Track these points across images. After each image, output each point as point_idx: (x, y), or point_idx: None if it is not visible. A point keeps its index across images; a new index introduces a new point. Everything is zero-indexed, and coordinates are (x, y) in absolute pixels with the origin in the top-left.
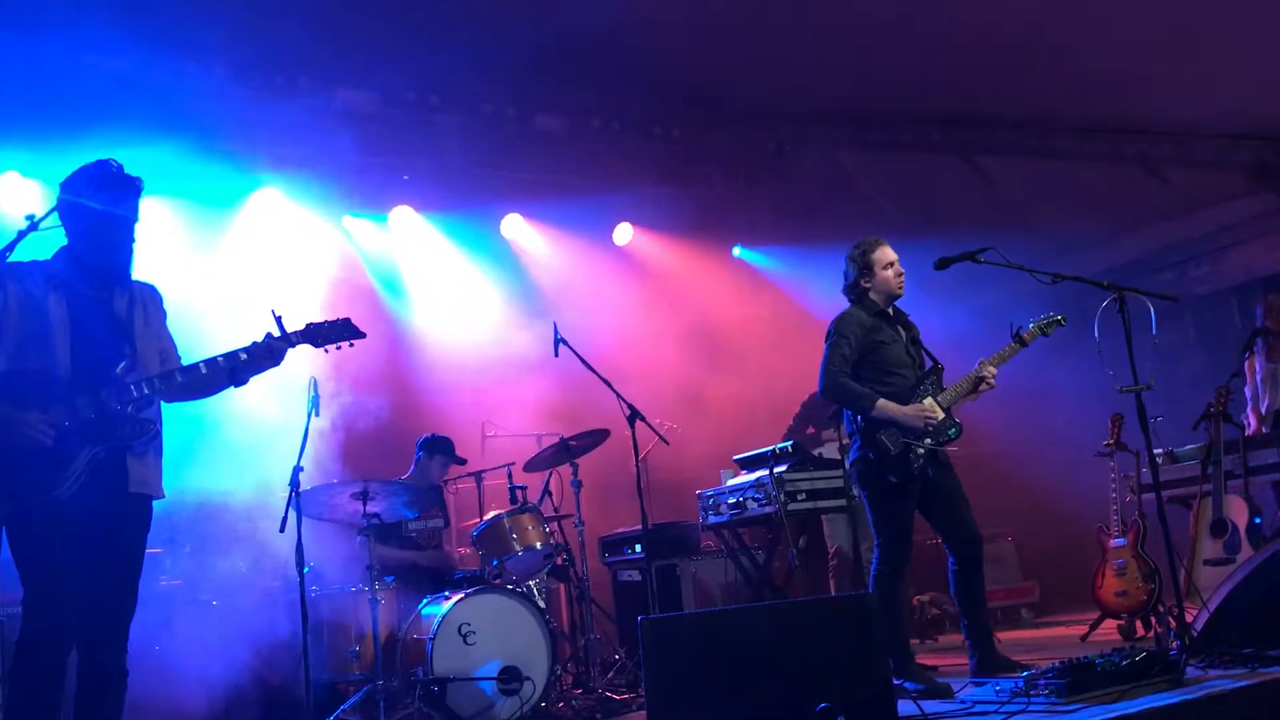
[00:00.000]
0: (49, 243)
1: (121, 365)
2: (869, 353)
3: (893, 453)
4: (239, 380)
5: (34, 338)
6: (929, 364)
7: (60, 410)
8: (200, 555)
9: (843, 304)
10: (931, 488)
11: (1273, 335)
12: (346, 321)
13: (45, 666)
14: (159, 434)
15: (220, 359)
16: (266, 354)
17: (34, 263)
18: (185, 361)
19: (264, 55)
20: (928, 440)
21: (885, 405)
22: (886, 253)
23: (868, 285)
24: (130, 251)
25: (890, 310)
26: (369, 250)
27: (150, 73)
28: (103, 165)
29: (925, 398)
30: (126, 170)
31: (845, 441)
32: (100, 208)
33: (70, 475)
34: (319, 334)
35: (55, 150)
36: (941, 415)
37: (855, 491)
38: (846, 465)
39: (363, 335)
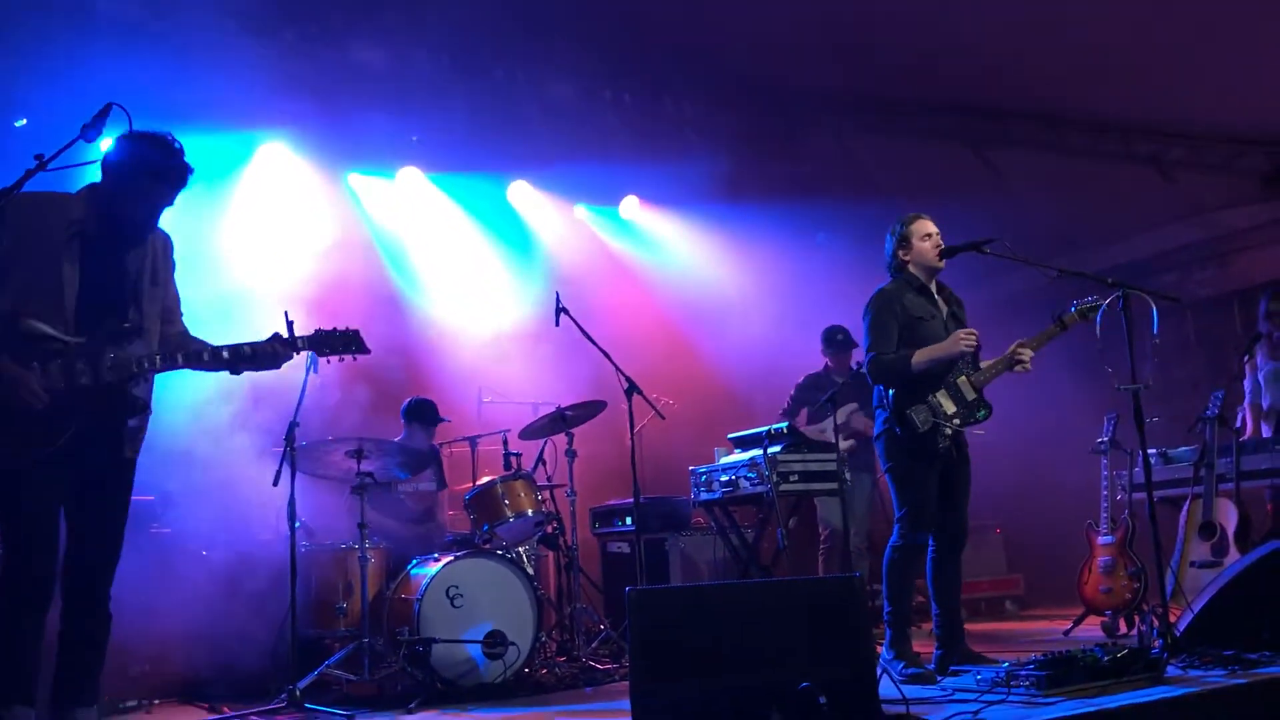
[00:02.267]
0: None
1: (125, 325)
2: (906, 329)
3: (920, 430)
4: (235, 371)
5: (41, 278)
6: None
7: (57, 373)
8: (192, 505)
9: (846, 286)
10: (949, 471)
11: (1276, 336)
12: (355, 334)
13: (19, 617)
14: (149, 408)
15: (225, 352)
16: (269, 357)
17: (57, 195)
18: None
19: (278, 9)
20: (956, 420)
21: (921, 353)
22: (925, 225)
23: (906, 258)
24: (151, 225)
25: (932, 285)
26: (373, 209)
27: (161, 21)
28: (169, 144)
29: (959, 376)
30: (185, 157)
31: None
32: (150, 178)
33: (56, 442)
34: (325, 342)
35: (63, 94)
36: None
37: (880, 465)
38: (843, 445)
39: (368, 351)
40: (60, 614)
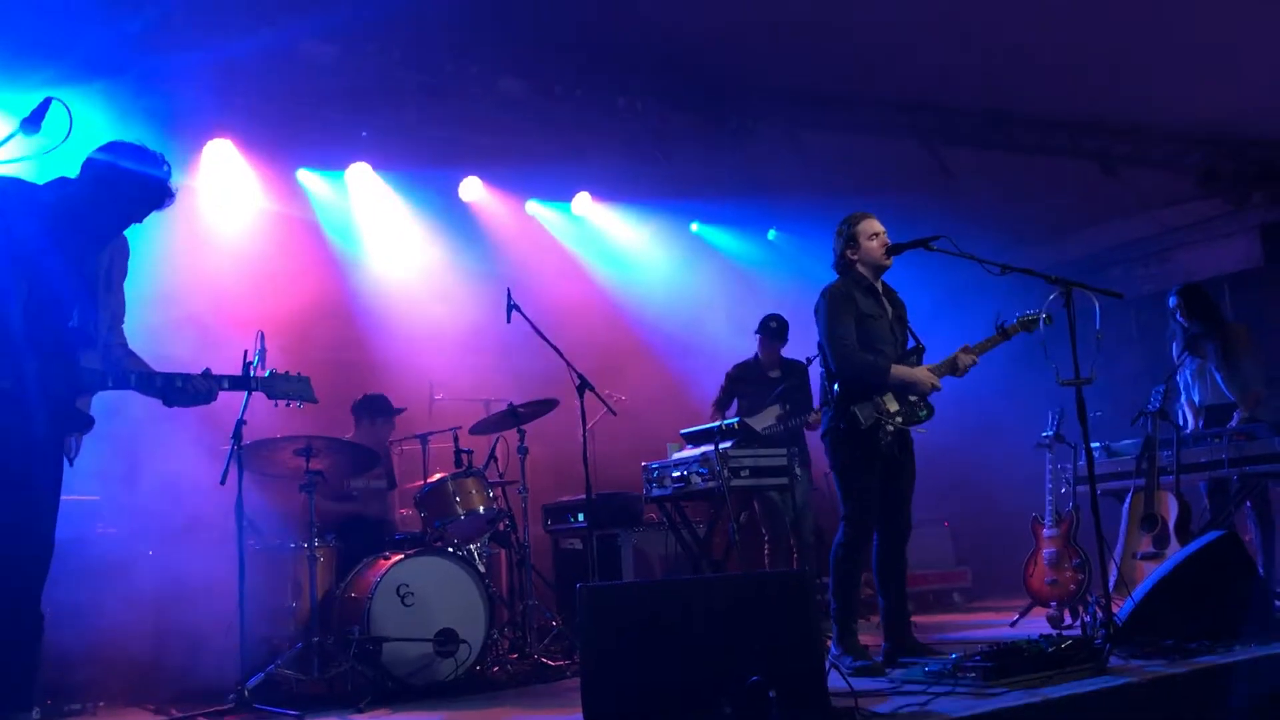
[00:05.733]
0: None
1: (76, 328)
2: (855, 325)
3: (863, 426)
4: (169, 403)
5: None
6: (911, 343)
7: (6, 373)
8: (138, 505)
9: (793, 281)
10: (892, 466)
11: (1192, 332)
12: (307, 382)
13: None
14: (92, 422)
15: (179, 380)
16: (206, 394)
17: (21, 182)
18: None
19: (222, 3)
20: (899, 419)
21: (897, 370)
22: (871, 224)
23: (854, 257)
24: (117, 233)
25: (879, 285)
26: (323, 205)
27: (97, 8)
28: (162, 163)
29: None
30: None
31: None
32: (137, 191)
33: None
34: (276, 386)
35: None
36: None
37: (824, 461)
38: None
39: (315, 401)
40: None
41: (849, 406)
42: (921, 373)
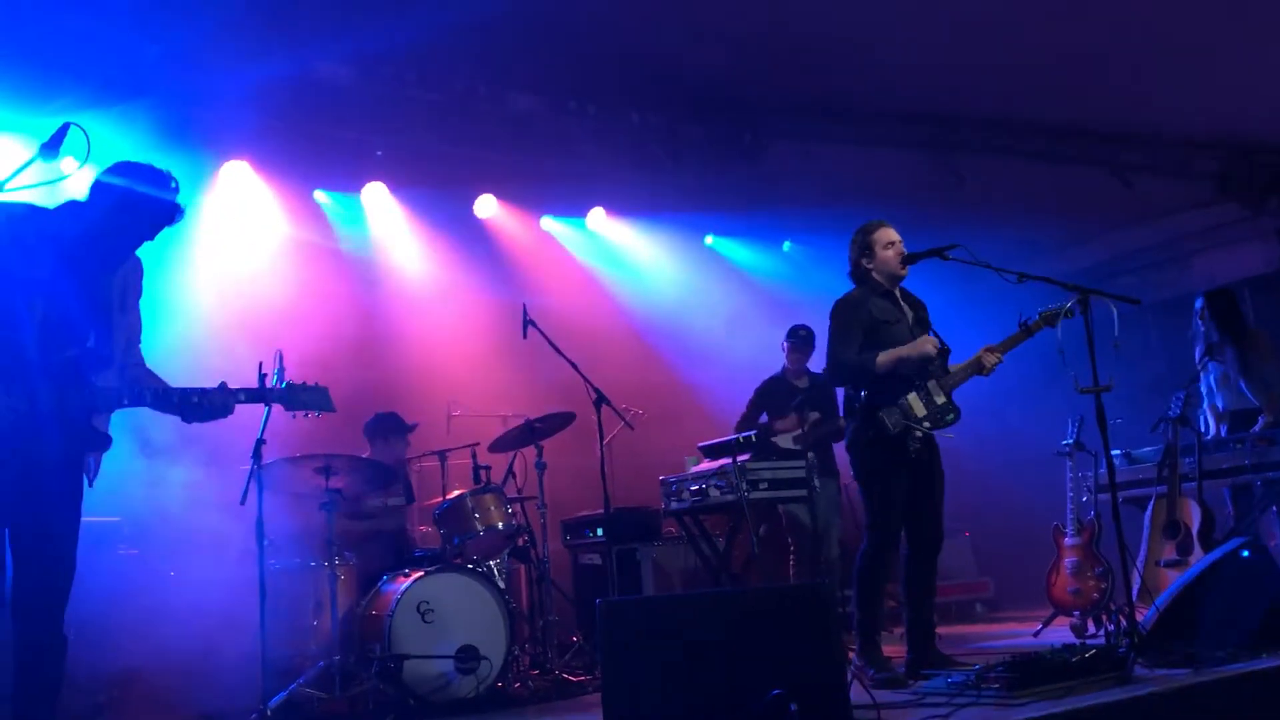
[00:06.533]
0: None
1: (93, 350)
2: (871, 332)
3: (891, 432)
4: (187, 419)
5: (6, 290)
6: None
7: (20, 394)
8: (159, 526)
9: (810, 293)
10: (921, 474)
11: (1214, 339)
12: (324, 392)
13: None
14: (110, 441)
15: (195, 396)
16: (221, 407)
17: (33, 207)
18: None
19: (237, 22)
20: (926, 424)
21: (885, 354)
22: (887, 233)
23: (869, 266)
24: (130, 254)
25: (896, 291)
26: (339, 226)
27: (117, 33)
28: (171, 181)
29: (929, 379)
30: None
31: (803, 431)
32: (149, 212)
33: (10, 467)
34: (294, 397)
35: (18, 109)
36: (939, 348)
37: (850, 470)
38: (810, 454)
39: (333, 410)
40: (13, 640)
41: (876, 413)
42: (921, 343)
